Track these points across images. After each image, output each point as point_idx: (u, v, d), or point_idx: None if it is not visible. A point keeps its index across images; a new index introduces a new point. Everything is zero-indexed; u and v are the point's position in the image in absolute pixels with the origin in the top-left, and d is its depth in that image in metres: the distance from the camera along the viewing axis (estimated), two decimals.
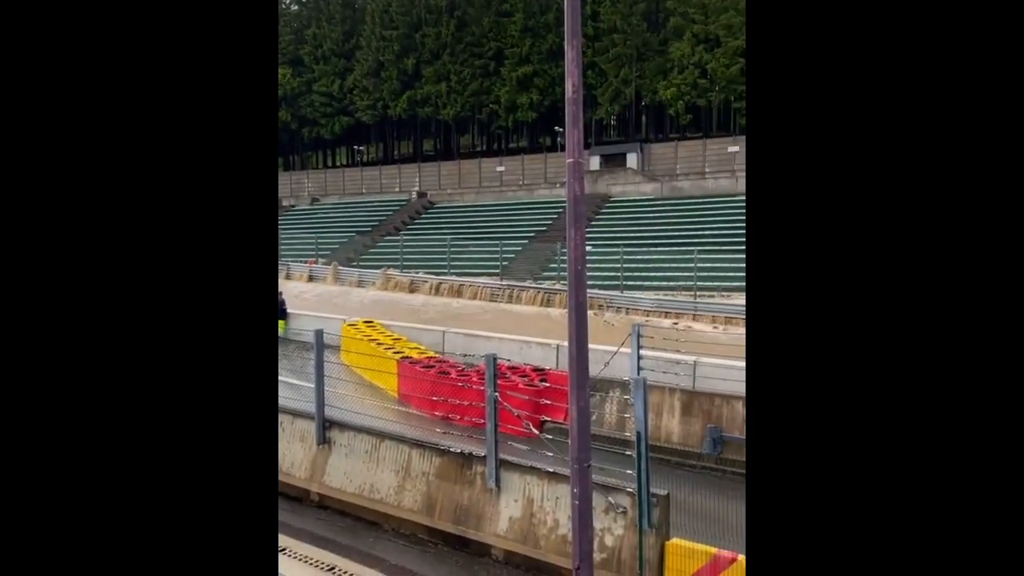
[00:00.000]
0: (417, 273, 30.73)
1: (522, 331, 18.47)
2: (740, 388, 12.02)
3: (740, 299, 24.17)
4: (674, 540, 7.12)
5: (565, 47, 4.75)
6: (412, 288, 29.46)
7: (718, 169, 36.63)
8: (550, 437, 8.72)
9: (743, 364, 13.52)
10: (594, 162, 40.19)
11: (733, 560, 6.68)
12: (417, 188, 45.30)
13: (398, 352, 15.59)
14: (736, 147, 37.42)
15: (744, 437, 11.86)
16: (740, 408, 12.02)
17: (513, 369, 13.60)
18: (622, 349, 12.35)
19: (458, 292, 28.12)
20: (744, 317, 22.60)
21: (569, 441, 4.85)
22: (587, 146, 42.98)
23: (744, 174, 35.10)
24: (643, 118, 48.74)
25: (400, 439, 9.23)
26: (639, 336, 12.64)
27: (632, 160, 39.50)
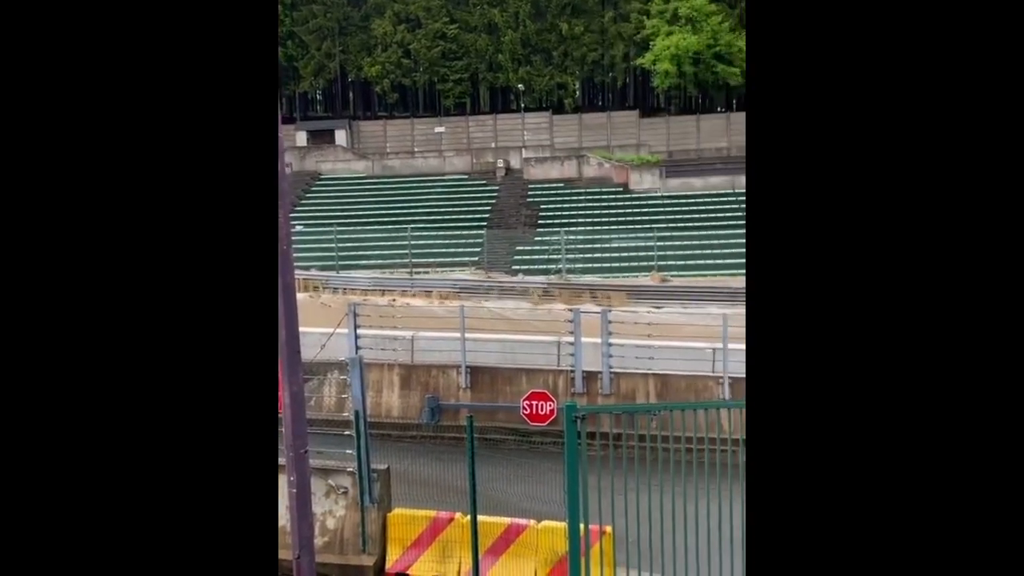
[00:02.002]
0: None
1: None
2: (456, 357, 12.69)
3: (456, 274, 25.41)
4: (396, 511, 7.33)
5: None
6: None
7: (426, 148, 37.73)
8: None
9: (458, 334, 14.14)
10: (301, 138, 38.51)
11: (451, 519, 7.11)
12: None
13: None
14: (442, 128, 38.88)
15: (459, 403, 12.60)
16: (455, 376, 12.71)
17: None
18: (339, 330, 12.19)
19: None
20: (459, 291, 23.53)
21: (283, 429, 4.67)
22: (292, 121, 40.97)
23: (451, 154, 36.73)
24: (350, 95, 47.93)
25: None
26: (356, 315, 12.61)
27: (341, 137, 38.72)
